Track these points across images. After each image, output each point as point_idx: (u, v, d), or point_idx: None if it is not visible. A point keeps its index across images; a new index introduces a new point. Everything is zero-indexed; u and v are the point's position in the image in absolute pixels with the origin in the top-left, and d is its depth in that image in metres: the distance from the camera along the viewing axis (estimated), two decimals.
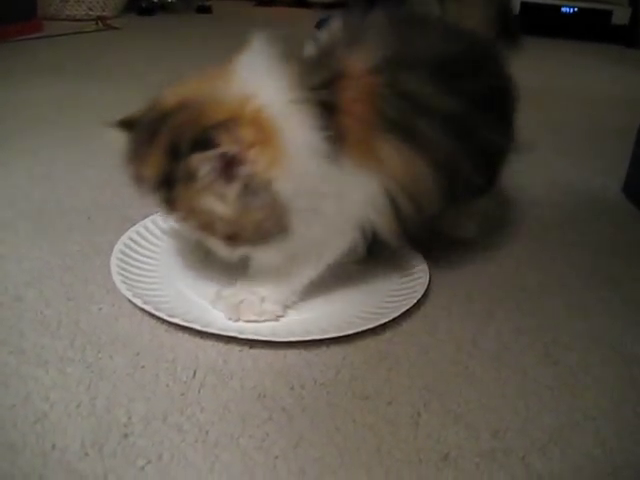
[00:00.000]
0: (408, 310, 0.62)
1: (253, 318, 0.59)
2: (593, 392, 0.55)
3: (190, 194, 0.52)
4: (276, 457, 0.46)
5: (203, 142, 0.50)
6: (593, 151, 1.22)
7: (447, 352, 0.58)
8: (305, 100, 0.53)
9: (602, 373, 0.57)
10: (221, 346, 0.57)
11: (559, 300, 0.69)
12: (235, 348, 0.56)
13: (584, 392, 0.55)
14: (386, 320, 0.59)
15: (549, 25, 2.76)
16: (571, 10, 2.73)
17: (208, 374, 0.53)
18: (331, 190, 0.56)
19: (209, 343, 0.57)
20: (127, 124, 0.57)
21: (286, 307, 0.62)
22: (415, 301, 0.63)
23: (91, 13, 2.35)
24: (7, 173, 0.92)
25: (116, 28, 2.24)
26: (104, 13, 2.37)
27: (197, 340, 0.57)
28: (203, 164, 0.51)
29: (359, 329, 0.58)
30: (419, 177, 0.58)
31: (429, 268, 0.69)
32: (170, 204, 0.54)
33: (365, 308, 0.63)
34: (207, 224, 0.54)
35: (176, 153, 0.52)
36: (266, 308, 0.60)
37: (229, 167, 0.51)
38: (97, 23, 2.27)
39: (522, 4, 2.74)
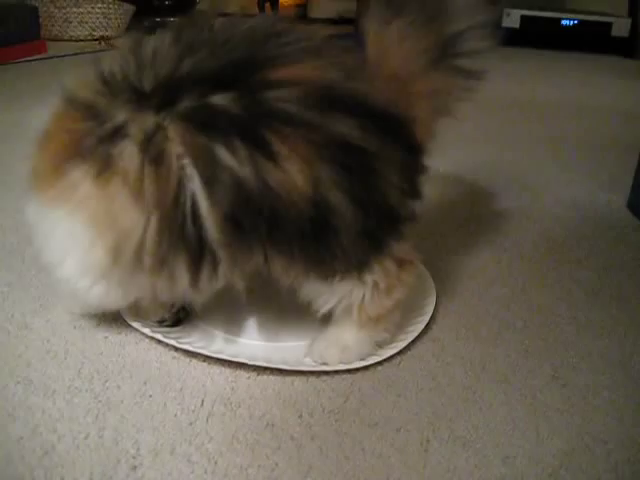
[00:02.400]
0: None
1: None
2: (603, 414, 0.55)
3: None
4: None
5: None
6: (596, 165, 1.22)
7: (455, 376, 0.58)
8: None
9: (612, 394, 0.57)
10: (229, 373, 0.56)
11: (566, 320, 0.68)
12: (243, 375, 0.56)
13: (594, 415, 0.55)
14: (396, 351, 0.59)
15: (549, 38, 2.78)
16: (571, 22, 2.74)
17: (216, 402, 0.53)
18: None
19: (217, 370, 0.57)
20: None
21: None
22: (423, 326, 0.62)
23: (94, 33, 2.37)
24: (13, 197, 0.92)
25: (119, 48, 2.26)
26: (107, 33, 2.39)
27: (205, 367, 0.57)
28: None
29: (369, 362, 0.58)
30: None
31: (436, 290, 0.69)
32: None
33: None
34: None
35: None
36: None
37: None
38: (100, 43, 2.28)
39: (522, 17, 2.75)
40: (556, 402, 0.56)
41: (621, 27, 2.69)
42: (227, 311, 0.64)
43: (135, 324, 0.60)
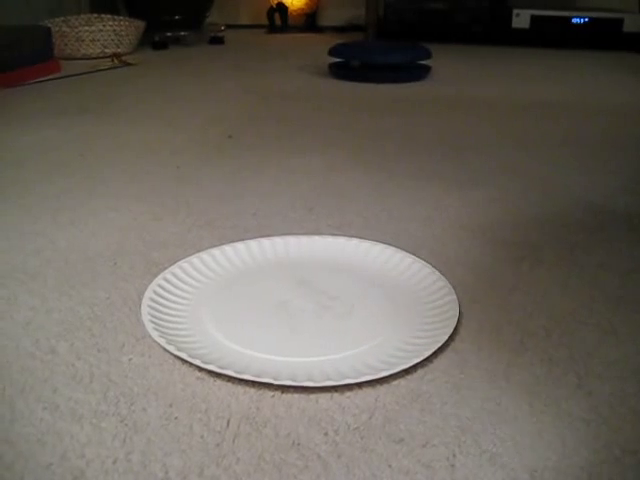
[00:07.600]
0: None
1: None
2: (631, 424, 0.54)
3: None
4: None
5: None
6: (613, 167, 1.21)
7: (479, 388, 0.58)
8: None
9: (639, 403, 0.57)
10: (253, 392, 0.57)
11: (589, 326, 0.68)
12: (267, 394, 0.56)
13: (622, 424, 0.54)
14: (420, 360, 0.59)
15: (560, 36, 2.76)
16: (582, 20, 2.73)
17: (242, 423, 0.53)
18: None
19: (241, 390, 0.57)
20: None
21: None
22: (447, 337, 0.62)
23: (106, 51, 2.39)
24: (32, 220, 0.93)
25: (131, 64, 2.28)
26: (119, 50, 2.41)
27: (229, 387, 0.57)
28: None
29: (393, 370, 0.58)
30: None
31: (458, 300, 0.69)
32: None
33: (397, 345, 0.62)
34: None
35: None
36: None
37: None
38: (113, 60, 2.30)
39: (532, 17, 2.74)
40: (582, 412, 0.55)
41: (633, 23, 2.67)
42: (250, 327, 0.65)
43: (160, 340, 0.61)
